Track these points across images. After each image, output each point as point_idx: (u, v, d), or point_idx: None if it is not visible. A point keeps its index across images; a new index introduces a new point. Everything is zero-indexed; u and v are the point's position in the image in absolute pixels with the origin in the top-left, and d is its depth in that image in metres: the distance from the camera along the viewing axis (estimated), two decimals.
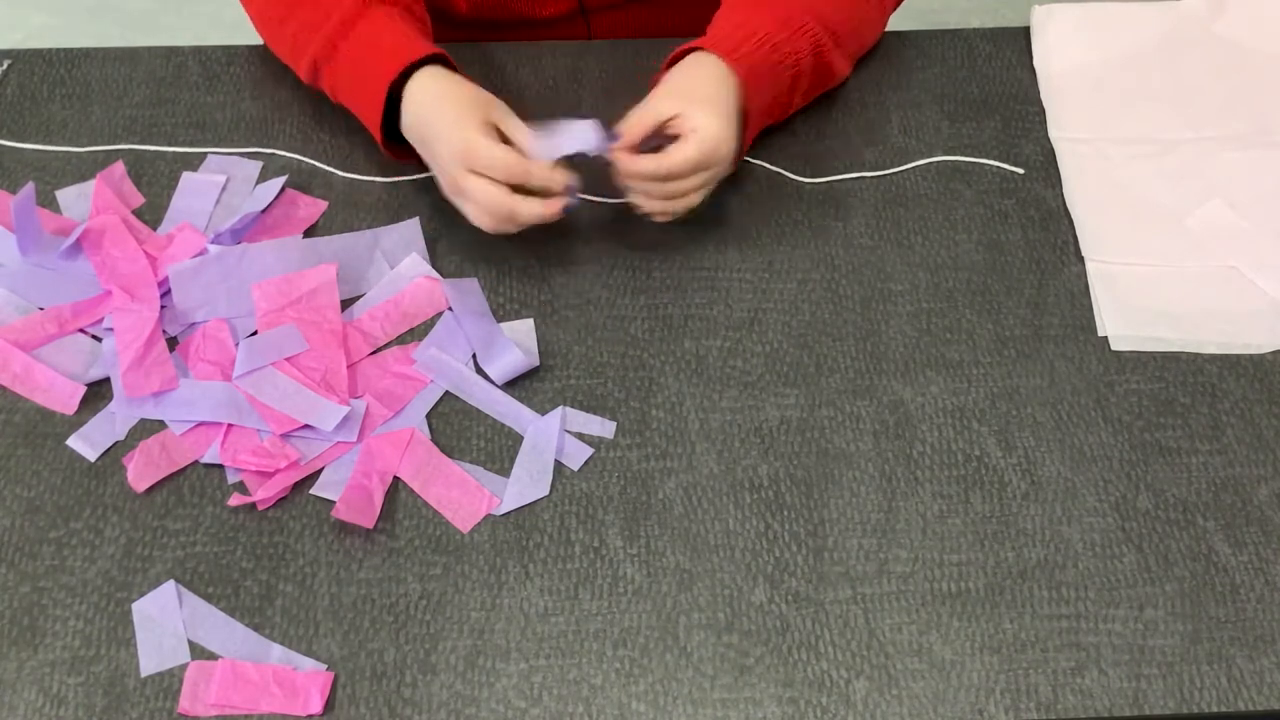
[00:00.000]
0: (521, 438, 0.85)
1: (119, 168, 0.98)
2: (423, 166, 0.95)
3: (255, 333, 0.89)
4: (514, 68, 1.05)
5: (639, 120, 0.89)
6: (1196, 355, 0.90)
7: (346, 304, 0.91)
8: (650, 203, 0.90)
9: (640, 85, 1.04)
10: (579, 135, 0.87)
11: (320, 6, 0.95)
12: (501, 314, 0.92)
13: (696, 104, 0.88)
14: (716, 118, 0.88)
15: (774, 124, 0.99)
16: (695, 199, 0.91)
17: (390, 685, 0.76)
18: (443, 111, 0.89)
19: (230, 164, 0.99)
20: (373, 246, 0.94)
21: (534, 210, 0.87)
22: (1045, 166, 1.01)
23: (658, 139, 0.89)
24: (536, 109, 1.01)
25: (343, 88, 0.96)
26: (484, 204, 0.87)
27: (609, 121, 0.89)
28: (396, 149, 0.95)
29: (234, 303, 0.90)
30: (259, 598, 0.79)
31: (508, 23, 1.11)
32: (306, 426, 0.84)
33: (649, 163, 0.88)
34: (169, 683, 0.75)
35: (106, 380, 0.87)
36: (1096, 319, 0.92)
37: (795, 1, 0.95)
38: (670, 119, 0.88)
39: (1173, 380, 0.89)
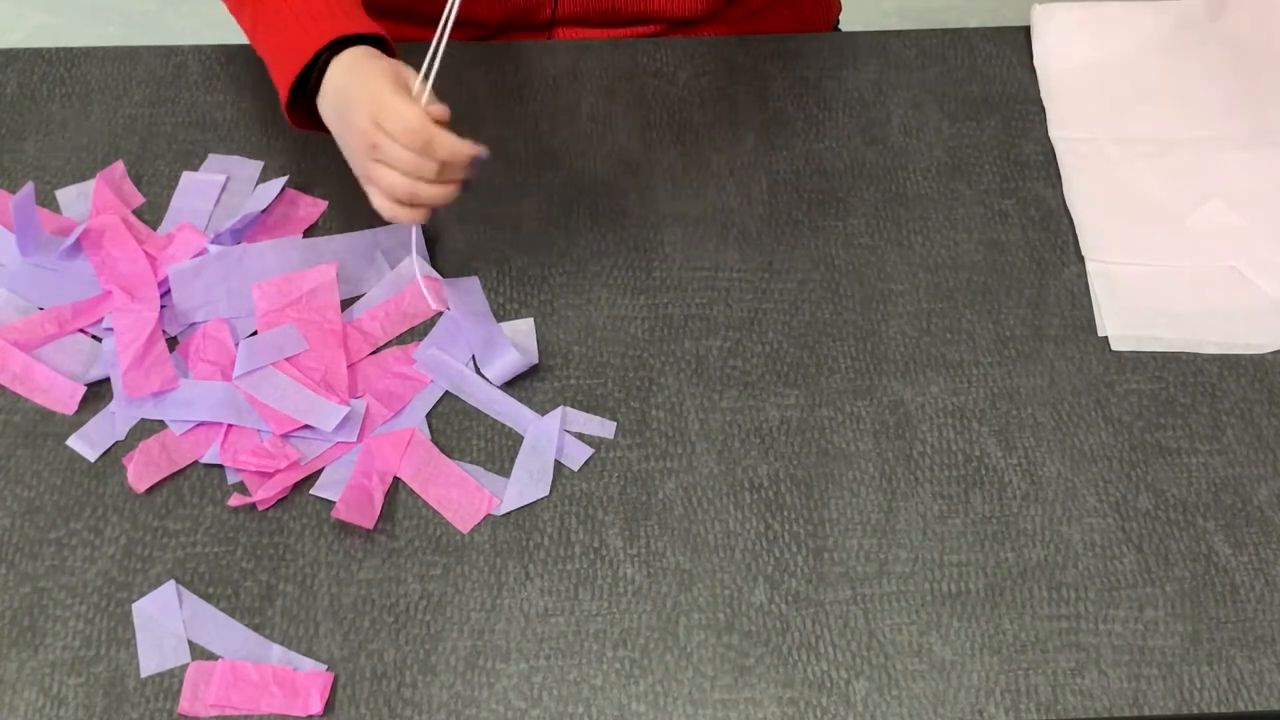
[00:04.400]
0: (521, 438, 0.85)
1: (119, 167, 0.98)
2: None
3: (255, 333, 0.89)
4: (514, 67, 1.05)
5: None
6: (1196, 355, 0.90)
7: (346, 304, 0.91)
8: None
9: (640, 85, 1.05)
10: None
11: None
12: (501, 314, 0.91)
13: None
14: None
15: None
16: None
17: (390, 686, 0.76)
18: (365, 75, 0.82)
19: (230, 163, 0.99)
20: (373, 246, 0.94)
21: (436, 194, 0.82)
22: (1045, 166, 1.01)
23: None
24: (536, 109, 1.02)
25: (265, 34, 0.88)
26: (399, 165, 0.80)
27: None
28: (301, 119, 0.88)
29: (234, 303, 0.90)
30: (259, 598, 0.79)
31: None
32: (306, 426, 0.84)
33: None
34: (169, 683, 0.75)
35: (106, 380, 0.87)
36: (1096, 319, 0.92)
37: None
38: None
39: (1173, 380, 0.89)
